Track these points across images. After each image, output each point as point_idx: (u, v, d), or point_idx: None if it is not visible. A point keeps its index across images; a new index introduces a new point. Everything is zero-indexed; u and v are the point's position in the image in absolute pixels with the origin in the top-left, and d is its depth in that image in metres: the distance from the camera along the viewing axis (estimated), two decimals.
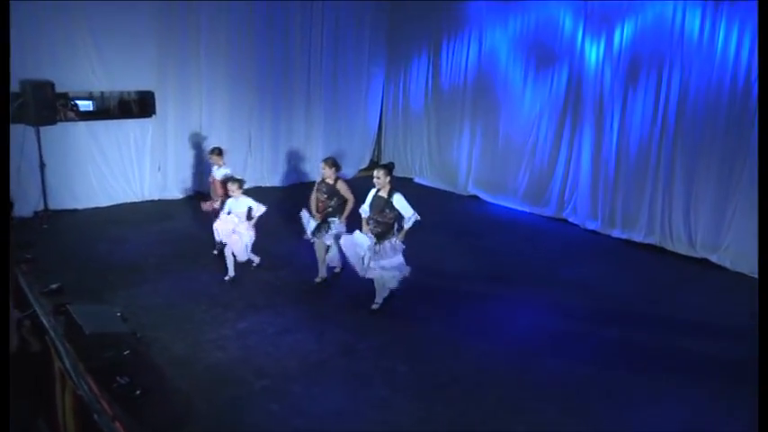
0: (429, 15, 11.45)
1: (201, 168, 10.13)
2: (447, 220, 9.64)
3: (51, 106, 8.36)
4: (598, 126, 9.13)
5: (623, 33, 8.67)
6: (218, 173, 7.63)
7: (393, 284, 6.37)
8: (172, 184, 10.09)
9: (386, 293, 6.45)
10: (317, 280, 7.06)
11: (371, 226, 6.28)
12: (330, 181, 6.77)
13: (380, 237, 6.20)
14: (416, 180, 12.05)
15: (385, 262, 6.17)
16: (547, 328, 6.20)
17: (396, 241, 6.19)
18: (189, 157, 10.20)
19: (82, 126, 9.13)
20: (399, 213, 6.20)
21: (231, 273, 7.04)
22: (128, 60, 9.22)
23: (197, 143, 10.18)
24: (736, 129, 7.69)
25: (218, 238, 7.15)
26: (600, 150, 9.16)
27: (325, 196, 6.79)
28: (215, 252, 7.63)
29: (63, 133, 8.89)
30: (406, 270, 6.30)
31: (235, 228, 6.93)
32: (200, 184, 10.27)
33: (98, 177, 9.39)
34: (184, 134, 10.08)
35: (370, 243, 6.15)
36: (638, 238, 8.83)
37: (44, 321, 5.79)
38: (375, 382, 5.12)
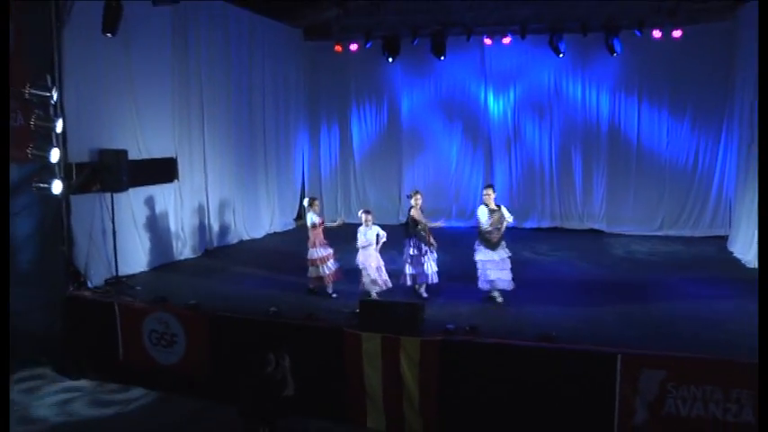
0: (345, 85, 14.27)
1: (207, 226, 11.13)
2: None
3: (126, 173, 8.59)
4: (508, 152, 13.39)
5: (516, 90, 13.20)
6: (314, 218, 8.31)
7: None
8: (188, 244, 10.58)
9: None
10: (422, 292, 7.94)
11: (494, 235, 7.35)
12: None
13: (500, 243, 7.46)
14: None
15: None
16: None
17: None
18: (201, 217, 10.90)
19: (130, 193, 9.26)
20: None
21: (389, 283, 7.87)
22: (156, 128, 9.78)
23: (202, 205, 10.96)
24: (596, 145, 12.84)
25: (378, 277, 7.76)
26: (511, 170, 13.42)
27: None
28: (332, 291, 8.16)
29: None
30: None
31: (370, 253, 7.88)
32: (209, 242, 11.12)
33: (142, 243, 9.50)
34: (195, 197, 10.78)
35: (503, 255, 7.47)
36: (545, 224, 13.24)
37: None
38: None
